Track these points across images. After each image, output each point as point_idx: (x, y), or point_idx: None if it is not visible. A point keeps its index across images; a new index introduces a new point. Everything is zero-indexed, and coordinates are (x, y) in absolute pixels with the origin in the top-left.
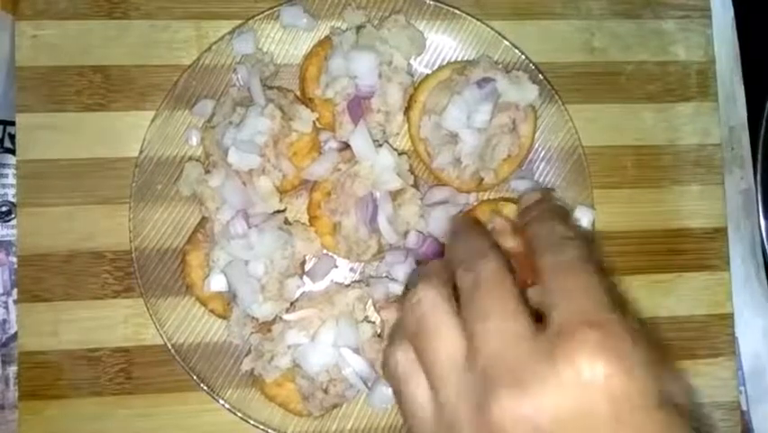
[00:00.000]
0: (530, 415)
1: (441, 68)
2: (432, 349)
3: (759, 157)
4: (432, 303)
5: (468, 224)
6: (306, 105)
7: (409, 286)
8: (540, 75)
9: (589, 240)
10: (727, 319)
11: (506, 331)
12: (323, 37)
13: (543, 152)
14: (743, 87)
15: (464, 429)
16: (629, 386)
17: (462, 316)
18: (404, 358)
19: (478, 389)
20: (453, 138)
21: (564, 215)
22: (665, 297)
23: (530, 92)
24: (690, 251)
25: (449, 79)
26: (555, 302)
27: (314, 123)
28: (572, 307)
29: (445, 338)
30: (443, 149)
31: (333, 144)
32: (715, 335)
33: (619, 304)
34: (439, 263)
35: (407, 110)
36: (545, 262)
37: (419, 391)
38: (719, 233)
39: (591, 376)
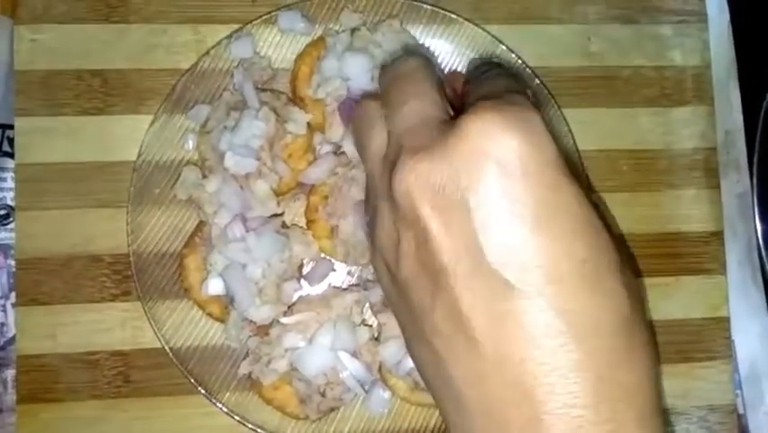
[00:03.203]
0: (425, 173)
1: None
2: (363, 146)
3: (755, 161)
4: (367, 107)
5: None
6: (297, 105)
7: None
8: (537, 79)
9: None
10: (724, 323)
11: (418, 112)
12: (316, 37)
13: None
14: (738, 91)
15: (378, 204)
16: (521, 147)
17: (386, 111)
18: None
19: (388, 166)
20: None
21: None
22: (662, 300)
23: None
24: (687, 254)
25: None
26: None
27: (308, 124)
28: (475, 96)
29: (373, 133)
30: None
31: (327, 147)
32: (711, 338)
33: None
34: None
35: None
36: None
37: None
38: (715, 236)
39: (483, 138)
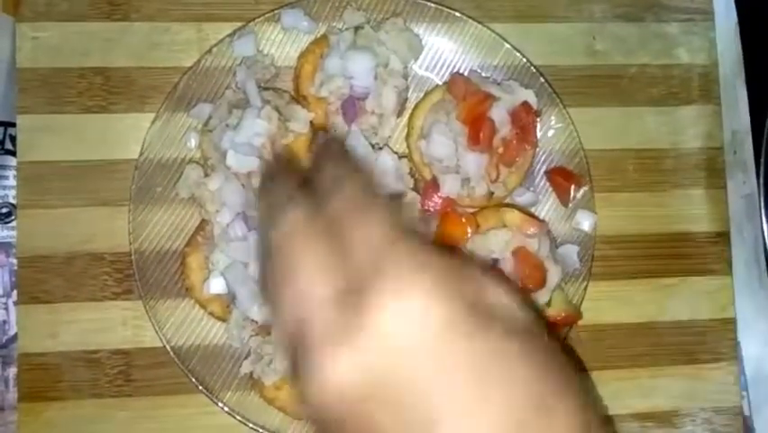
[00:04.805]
0: (352, 375)
1: (433, 89)
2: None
3: (762, 161)
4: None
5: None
6: (300, 103)
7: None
8: (541, 78)
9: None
10: (730, 324)
11: (311, 291)
12: (319, 35)
13: (543, 156)
14: (746, 90)
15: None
16: (429, 317)
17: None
18: None
19: (291, 365)
20: (456, 166)
21: (338, 152)
22: (668, 301)
23: (525, 95)
24: (693, 255)
25: (442, 100)
26: (345, 261)
27: (310, 123)
28: (355, 261)
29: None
30: (447, 178)
31: None
32: (717, 339)
33: (407, 227)
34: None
35: (407, 137)
36: (326, 218)
37: None
38: (722, 237)
39: (392, 327)
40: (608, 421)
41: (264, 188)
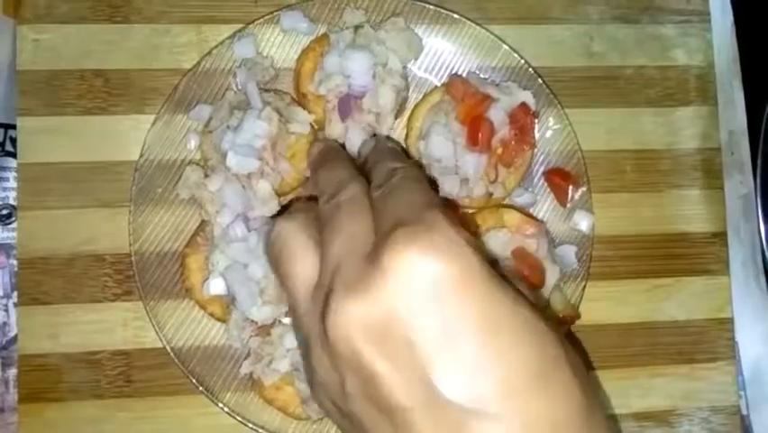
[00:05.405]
0: (360, 317)
1: (432, 90)
2: (289, 275)
3: (759, 161)
4: (289, 233)
5: (330, 155)
6: (300, 101)
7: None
8: (539, 79)
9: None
10: (727, 324)
11: (350, 245)
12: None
13: (542, 157)
14: (742, 91)
15: (311, 340)
16: (444, 270)
17: (321, 240)
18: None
19: (321, 301)
20: (454, 166)
21: (394, 152)
22: (665, 301)
23: (523, 96)
24: (690, 255)
25: (441, 101)
26: (380, 221)
27: (311, 124)
28: (389, 217)
29: (301, 263)
30: (446, 179)
31: None
32: (714, 339)
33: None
34: (303, 203)
35: (406, 138)
36: (375, 198)
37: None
38: (719, 237)
39: (405, 271)
40: (613, 420)
41: (320, 171)
